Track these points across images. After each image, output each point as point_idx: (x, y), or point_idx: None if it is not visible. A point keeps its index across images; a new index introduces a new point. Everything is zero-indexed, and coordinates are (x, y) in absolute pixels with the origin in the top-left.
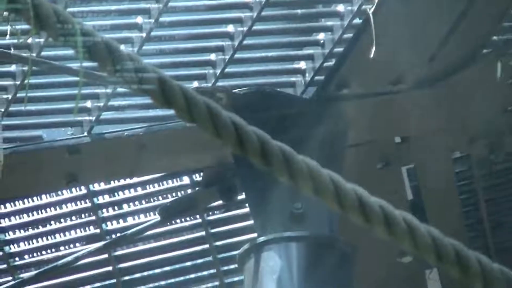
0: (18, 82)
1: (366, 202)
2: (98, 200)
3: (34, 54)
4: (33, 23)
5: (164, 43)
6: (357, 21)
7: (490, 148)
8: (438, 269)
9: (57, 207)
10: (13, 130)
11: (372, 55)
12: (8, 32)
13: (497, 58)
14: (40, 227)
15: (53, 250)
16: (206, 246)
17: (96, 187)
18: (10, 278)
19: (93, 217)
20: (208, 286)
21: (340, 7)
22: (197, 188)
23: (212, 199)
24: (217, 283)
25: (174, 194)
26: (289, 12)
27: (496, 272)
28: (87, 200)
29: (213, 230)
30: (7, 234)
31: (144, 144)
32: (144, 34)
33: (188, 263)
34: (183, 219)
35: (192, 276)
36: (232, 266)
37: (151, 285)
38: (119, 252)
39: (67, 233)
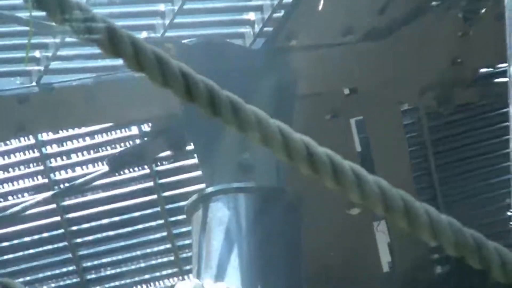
0: None
1: (314, 152)
2: (46, 150)
3: None
4: None
5: None
6: None
7: (439, 100)
8: (386, 221)
9: (5, 157)
10: None
11: (320, 7)
12: None
13: (446, 10)
14: None
15: (1, 199)
16: (155, 196)
17: (44, 136)
18: None
19: (41, 167)
20: (156, 236)
21: None
22: (145, 139)
23: (160, 150)
24: (165, 233)
25: (122, 145)
26: None
27: (444, 224)
28: (35, 150)
29: (161, 181)
30: None
31: (93, 94)
32: None
33: (137, 214)
34: (131, 170)
35: (140, 226)
36: (180, 217)
37: (99, 235)
38: (67, 202)
39: (15, 182)
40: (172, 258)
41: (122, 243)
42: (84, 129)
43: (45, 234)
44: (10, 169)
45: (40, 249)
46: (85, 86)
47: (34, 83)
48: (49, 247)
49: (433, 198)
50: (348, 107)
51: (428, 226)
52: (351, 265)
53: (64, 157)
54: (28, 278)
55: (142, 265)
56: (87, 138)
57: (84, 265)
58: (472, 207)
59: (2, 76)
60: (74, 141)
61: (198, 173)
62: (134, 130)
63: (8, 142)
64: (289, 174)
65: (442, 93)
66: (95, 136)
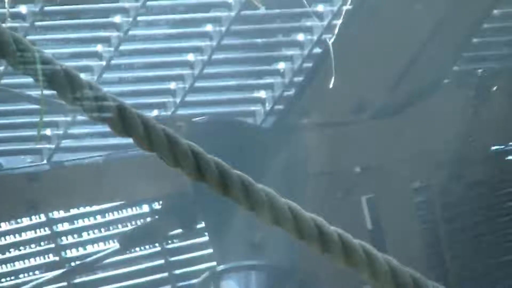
0: None
1: (325, 231)
2: (57, 227)
3: None
4: None
5: (124, 72)
6: (317, 50)
7: (451, 178)
8: None
9: (17, 235)
10: None
11: (331, 85)
12: None
13: (458, 87)
14: None
15: (12, 277)
16: (165, 274)
17: (55, 214)
18: None
19: (53, 245)
20: None
21: (300, 37)
22: (156, 217)
23: (171, 228)
24: None
25: (133, 223)
26: (249, 42)
27: None
28: (46, 228)
29: (172, 259)
30: None
31: (104, 172)
32: (104, 63)
33: None
34: (142, 248)
35: None
36: None
37: None
38: (79, 280)
39: (26, 260)
40: None
41: None
42: (95, 207)
43: None
44: (22, 247)
45: None
46: (96, 164)
47: (45, 161)
48: None
49: (444, 276)
50: (360, 184)
51: None
52: None
53: (75, 235)
54: None
55: None
56: (98, 216)
57: None
58: (483, 286)
59: (13, 155)
60: (85, 219)
61: (209, 251)
62: (145, 208)
63: (19, 220)
64: (301, 251)
65: (454, 171)
66: (106, 214)
